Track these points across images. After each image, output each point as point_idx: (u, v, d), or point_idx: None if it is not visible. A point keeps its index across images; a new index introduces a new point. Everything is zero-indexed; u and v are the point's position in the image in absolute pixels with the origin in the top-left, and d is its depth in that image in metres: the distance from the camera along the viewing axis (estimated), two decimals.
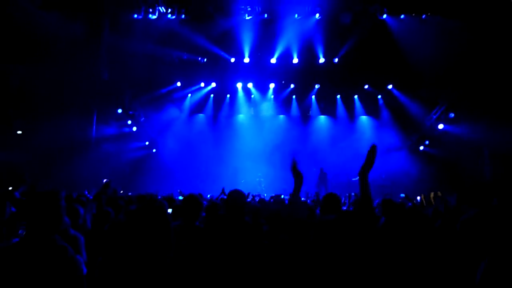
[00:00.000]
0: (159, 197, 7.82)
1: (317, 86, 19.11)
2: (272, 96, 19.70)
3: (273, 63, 17.63)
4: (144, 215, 2.54)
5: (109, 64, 15.59)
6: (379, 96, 19.24)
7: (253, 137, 18.65)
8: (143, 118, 17.75)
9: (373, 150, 2.94)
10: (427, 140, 17.58)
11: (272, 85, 19.23)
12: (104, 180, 5.74)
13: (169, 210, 5.29)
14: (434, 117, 16.62)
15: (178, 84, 18.54)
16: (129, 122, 17.35)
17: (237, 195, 3.71)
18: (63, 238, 2.65)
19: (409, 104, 17.62)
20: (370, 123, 19.47)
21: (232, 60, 17.58)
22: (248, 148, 18.26)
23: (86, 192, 9.45)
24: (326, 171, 16.56)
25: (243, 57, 17.37)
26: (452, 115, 15.83)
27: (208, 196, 10.10)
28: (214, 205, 5.15)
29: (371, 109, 19.48)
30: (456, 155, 15.01)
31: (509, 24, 12.30)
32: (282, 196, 8.07)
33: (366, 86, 18.93)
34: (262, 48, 17.13)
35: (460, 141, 15.10)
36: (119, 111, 16.76)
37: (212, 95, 19.72)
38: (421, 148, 17.81)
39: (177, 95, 18.83)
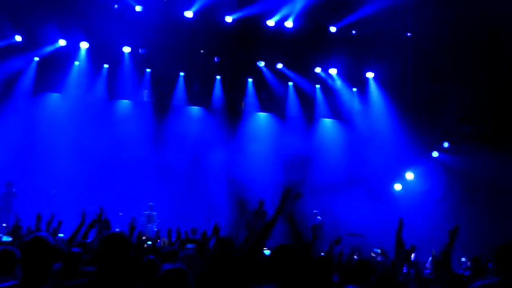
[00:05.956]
0: None
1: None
2: (183, 74, 19.70)
3: (188, 18, 17.82)
4: None
5: None
6: (290, 84, 20.01)
7: (143, 138, 18.64)
8: None
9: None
10: None
11: None
12: None
13: None
14: None
15: (18, 38, 17.72)
16: None
17: (117, 243, 3.77)
18: None
19: None
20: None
21: (116, 6, 17.66)
22: (133, 155, 18.24)
23: None
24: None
25: (134, 4, 17.53)
26: None
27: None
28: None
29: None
30: None
31: None
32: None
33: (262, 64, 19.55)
34: None
35: None
36: None
37: (77, 63, 18.97)
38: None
39: (15, 59, 17.94)
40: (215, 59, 19.22)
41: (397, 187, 18.70)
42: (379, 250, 12.26)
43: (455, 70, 16.64)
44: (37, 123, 18.04)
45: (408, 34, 17.88)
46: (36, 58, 18.53)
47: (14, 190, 15.93)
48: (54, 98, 19.06)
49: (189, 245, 8.17)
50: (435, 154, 18.45)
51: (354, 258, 10.85)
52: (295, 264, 4.10)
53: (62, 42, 18.12)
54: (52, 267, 4.00)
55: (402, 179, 18.78)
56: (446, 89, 17.24)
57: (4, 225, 13.45)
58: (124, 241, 3.78)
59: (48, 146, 17.65)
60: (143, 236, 10.92)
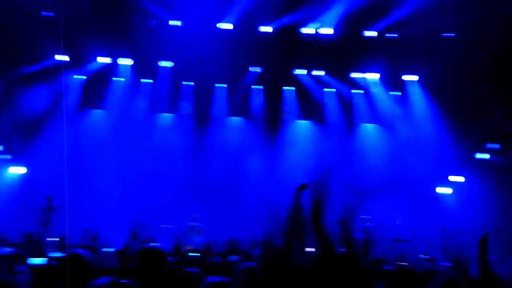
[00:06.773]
0: None
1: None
2: (222, 85, 19.72)
3: (224, 29, 17.83)
4: None
5: None
6: (330, 90, 19.88)
7: (186, 151, 18.66)
8: None
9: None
10: None
11: None
12: None
13: None
14: None
15: (63, 58, 17.97)
16: None
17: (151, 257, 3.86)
18: None
19: None
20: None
21: (154, 22, 17.74)
22: (176, 167, 18.29)
23: None
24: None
25: (170, 18, 17.69)
26: None
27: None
28: None
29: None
30: None
31: None
32: None
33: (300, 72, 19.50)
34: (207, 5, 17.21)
35: None
36: None
37: (119, 79, 19.25)
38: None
39: (61, 78, 18.06)
40: (259, 70, 19.23)
41: (443, 190, 18.38)
42: (424, 256, 12.03)
43: (496, 69, 16.36)
44: (82, 139, 18.21)
45: (448, 34, 17.61)
46: (81, 76, 18.78)
47: (53, 204, 15.89)
48: (98, 114, 19.29)
49: (234, 257, 8.08)
50: (480, 155, 18.09)
51: (400, 264, 10.72)
52: (331, 273, 3.97)
53: (104, 60, 18.48)
54: (88, 283, 3.97)
55: (447, 183, 18.45)
56: (488, 89, 16.92)
57: (48, 239, 13.63)
58: (158, 255, 3.76)
59: (93, 161, 17.87)
60: (185, 248, 10.93)
